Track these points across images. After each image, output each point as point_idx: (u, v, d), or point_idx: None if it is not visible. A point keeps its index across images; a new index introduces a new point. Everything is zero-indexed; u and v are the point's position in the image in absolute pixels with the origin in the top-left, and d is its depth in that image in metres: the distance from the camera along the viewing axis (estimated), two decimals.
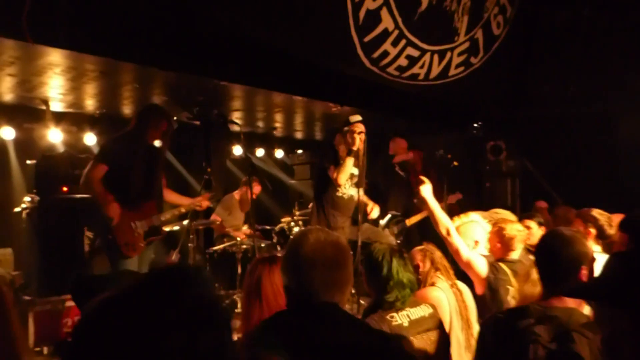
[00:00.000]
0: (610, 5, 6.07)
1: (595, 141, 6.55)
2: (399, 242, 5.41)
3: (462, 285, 2.99)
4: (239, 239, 5.66)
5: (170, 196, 4.48)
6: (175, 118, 6.30)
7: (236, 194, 6.49)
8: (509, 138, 7.15)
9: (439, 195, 5.30)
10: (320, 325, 1.55)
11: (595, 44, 6.17)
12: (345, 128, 4.42)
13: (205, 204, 4.44)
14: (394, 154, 6.08)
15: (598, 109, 6.53)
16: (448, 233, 3.09)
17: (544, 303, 1.95)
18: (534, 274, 2.27)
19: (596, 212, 3.53)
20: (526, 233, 3.39)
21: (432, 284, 2.92)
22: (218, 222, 6.03)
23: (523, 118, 6.94)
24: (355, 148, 4.26)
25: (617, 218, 3.40)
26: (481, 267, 3.01)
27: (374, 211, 4.73)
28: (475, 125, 7.15)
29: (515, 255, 3.16)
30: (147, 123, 4.16)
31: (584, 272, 1.95)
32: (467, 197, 6.30)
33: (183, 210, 4.46)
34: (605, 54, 6.19)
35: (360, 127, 4.41)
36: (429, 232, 4.50)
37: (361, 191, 4.54)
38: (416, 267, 2.91)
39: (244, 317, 2.26)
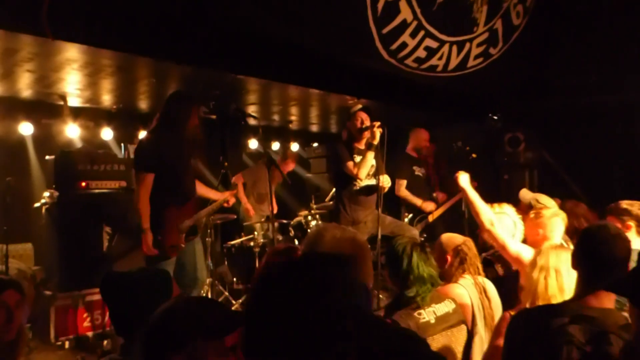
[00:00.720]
0: None
1: (616, 131, 6.43)
2: (423, 238, 5.37)
3: (485, 281, 2.95)
4: (256, 233, 5.65)
5: (199, 189, 4.20)
6: None
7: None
8: (528, 129, 7.05)
9: (453, 187, 5.27)
10: None
11: (617, 33, 6.03)
12: (362, 125, 4.38)
13: (232, 200, 4.30)
14: (416, 146, 5.97)
15: (619, 98, 6.39)
16: (492, 224, 2.97)
17: (580, 302, 1.87)
18: None
19: (626, 204, 3.27)
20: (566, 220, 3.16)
21: (456, 281, 2.88)
22: (238, 191, 5.85)
23: (542, 109, 6.82)
24: (376, 142, 4.22)
25: None
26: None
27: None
28: (493, 116, 7.05)
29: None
30: (181, 113, 3.84)
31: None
32: (484, 189, 6.21)
33: (216, 207, 4.22)
34: (626, 42, 6.05)
35: (361, 118, 4.39)
36: (453, 225, 4.47)
37: (386, 178, 4.45)
38: (444, 261, 2.87)
39: None
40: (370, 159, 4.27)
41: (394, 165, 5.64)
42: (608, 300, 1.86)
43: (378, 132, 4.20)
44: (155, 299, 1.84)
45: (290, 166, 6.41)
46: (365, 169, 4.29)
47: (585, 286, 1.91)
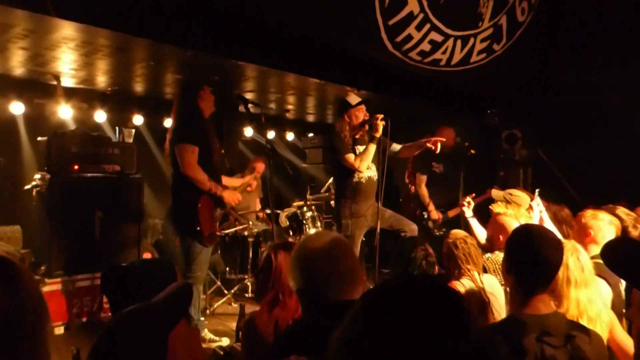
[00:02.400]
0: None
1: (615, 131, 6.43)
2: (441, 233, 5.32)
3: (488, 279, 2.91)
4: (251, 222, 5.59)
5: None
6: None
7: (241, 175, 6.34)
8: (526, 127, 7.03)
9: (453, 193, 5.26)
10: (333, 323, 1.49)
11: (619, 33, 6.01)
12: (364, 119, 4.32)
13: (254, 183, 4.28)
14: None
15: (618, 98, 6.39)
16: None
17: (530, 311, 1.88)
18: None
19: (622, 212, 3.19)
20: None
21: (457, 279, 2.84)
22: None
23: (541, 106, 6.81)
24: (378, 135, 4.16)
25: None
26: None
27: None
28: (490, 112, 7.03)
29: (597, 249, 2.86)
30: (196, 98, 3.95)
31: None
32: (480, 185, 6.20)
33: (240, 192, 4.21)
34: (628, 42, 6.04)
35: (363, 110, 4.36)
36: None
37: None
38: (448, 257, 2.83)
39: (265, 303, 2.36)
40: (372, 151, 4.21)
41: (414, 160, 5.60)
42: (546, 304, 1.92)
43: (381, 124, 4.13)
44: (159, 291, 1.78)
45: (261, 167, 6.33)
46: (367, 161, 4.23)
47: (527, 291, 1.93)
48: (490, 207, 3.39)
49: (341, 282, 1.65)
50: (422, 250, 2.85)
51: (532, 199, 3.40)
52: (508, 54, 5.56)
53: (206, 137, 3.85)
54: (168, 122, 6.45)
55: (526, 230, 2.12)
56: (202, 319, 4.22)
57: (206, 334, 4.18)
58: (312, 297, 1.69)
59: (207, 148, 3.82)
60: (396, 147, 4.54)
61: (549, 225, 3.24)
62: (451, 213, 5.52)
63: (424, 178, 5.63)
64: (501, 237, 3.18)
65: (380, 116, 4.20)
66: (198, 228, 3.72)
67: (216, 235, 3.95)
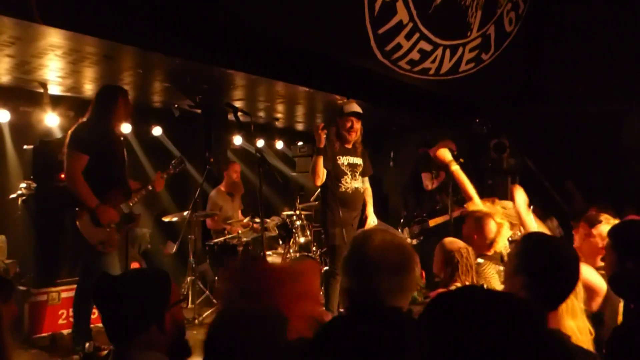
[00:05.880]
0: (621, 3, 5.99)
1: (601, 140, 6.50)
2: (417, 241, 5.33)
3: None
4: (240, 231, 5.55)
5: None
6: (176, 105, 6.18)
7: (221, 187, 6.31)
8: (513, 135, 7.08)
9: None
10: (386, 330, 1.44)
11: (605, 43, 6.09)
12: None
13: (160, 184, 4.20)
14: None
15: (605, 108, 6.46)
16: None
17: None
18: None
19: (604, 218, 3.12)
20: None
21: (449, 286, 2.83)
22: (216, 216, 5.89)
23: (529, 116, 6.87)
24: (322, 145, 4.16)
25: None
26: (598, 281, 2.54)
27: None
28: (478, 121, 7.08)
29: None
30: (112, 106, 3.93)
31: None
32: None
33: (144, 192, 4.12)
34: (614, 53, 6.12)
35: (351, 121, 4.37)
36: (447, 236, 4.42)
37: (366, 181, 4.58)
38: (440, 266, 2.82)
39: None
40: (316, 162, 4.20)
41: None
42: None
43: (322, 134, 4.13)
44: (154, 303, 1.74)
45: (237, 169, 6.31)
46: (317, 174, 4.22)
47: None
48: (465, 205, 3.42)
49: (399, 293, 1.60)
50: None
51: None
52: (496, 64, 5.61)
53: (104, 147, 3.82)
54: (156, 131, 6.43)
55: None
56: None
57: None
58: (362, 301, 1.62)
59: (103, 160, 3.79)
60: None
61: None
62: (432, 222, 5.53)
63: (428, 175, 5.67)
64: (476, 237, 3.18)
65: (349, 124, 4.23)
66: (78, 239, 3.74)
67: (113, 240, 3.82)
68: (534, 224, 3.03)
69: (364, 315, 1.54)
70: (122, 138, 4.21)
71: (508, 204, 3.47)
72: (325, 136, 4.15)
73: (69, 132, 3.86)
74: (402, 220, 5.62)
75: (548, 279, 1.73)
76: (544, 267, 1.74)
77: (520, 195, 3.12)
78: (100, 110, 3.91)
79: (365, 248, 1.63)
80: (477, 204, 3.44)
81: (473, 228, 3.24)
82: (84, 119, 3.93)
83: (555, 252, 1.79)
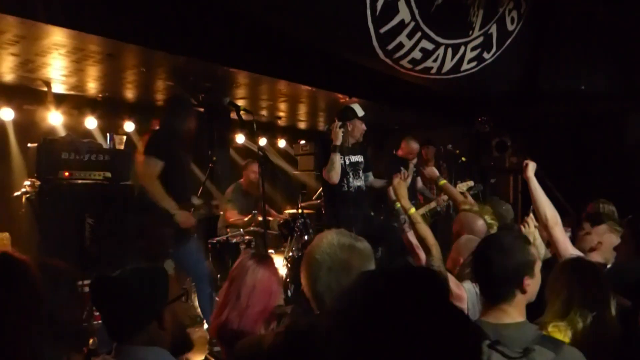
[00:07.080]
0: (625, 2, 5.98)
1: (604, 139, 6.50)
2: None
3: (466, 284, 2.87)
4: (241, 230, 5.56)
5: None
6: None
7: (242, 182, 6.32)
8: (516, 134, 7.09)
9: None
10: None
11: (608, 42, 6.08)
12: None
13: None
14: (403, 155, 5.91)
15: (608, 107, 6.46)
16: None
17: (487, 319, 1.82)
18: None
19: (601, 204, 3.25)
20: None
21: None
22: (227, 213, 5.89)
23: (531, 114, 6.87)
24: (339, 143, 4.18)
25: None
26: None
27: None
28: (480, 120, 7.08)
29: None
30: (184, 118, 4.08)
31: (527, 282, 1.83)
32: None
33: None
34: (617, 51, 6.11)
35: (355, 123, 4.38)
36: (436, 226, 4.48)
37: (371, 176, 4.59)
38: (456, 262, 2.81)
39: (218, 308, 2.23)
40: (335, 160, 4.21)
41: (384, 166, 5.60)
42: (515, 311, 1.83)
43: (340, 132, 4.19)
44: (151, 301, 1.75)
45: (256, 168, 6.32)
46: (334, 171, 4.21)
47: (485, 300, 1.89)
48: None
49: None
50: None
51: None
52: (498, 63, 5.60)
53: (177, 156, 3.95)
54: None
55: (485, 239, 2.08)
56: None
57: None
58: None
59: (176, 169, 3.90)
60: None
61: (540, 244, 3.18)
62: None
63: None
64: (465, 234, 3.17)
65: (339, 123, 4.29)
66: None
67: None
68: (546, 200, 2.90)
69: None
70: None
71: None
72: (342, 134, 4.19)
73: (145, 137, 4.02)
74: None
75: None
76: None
77: (532, 167, 3.02)
78: (174, 119, 4.07)
79: (313, 250, 1.69)
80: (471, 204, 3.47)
81: (461, 225, 3.25)
82: (157, 127, 4.15)
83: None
